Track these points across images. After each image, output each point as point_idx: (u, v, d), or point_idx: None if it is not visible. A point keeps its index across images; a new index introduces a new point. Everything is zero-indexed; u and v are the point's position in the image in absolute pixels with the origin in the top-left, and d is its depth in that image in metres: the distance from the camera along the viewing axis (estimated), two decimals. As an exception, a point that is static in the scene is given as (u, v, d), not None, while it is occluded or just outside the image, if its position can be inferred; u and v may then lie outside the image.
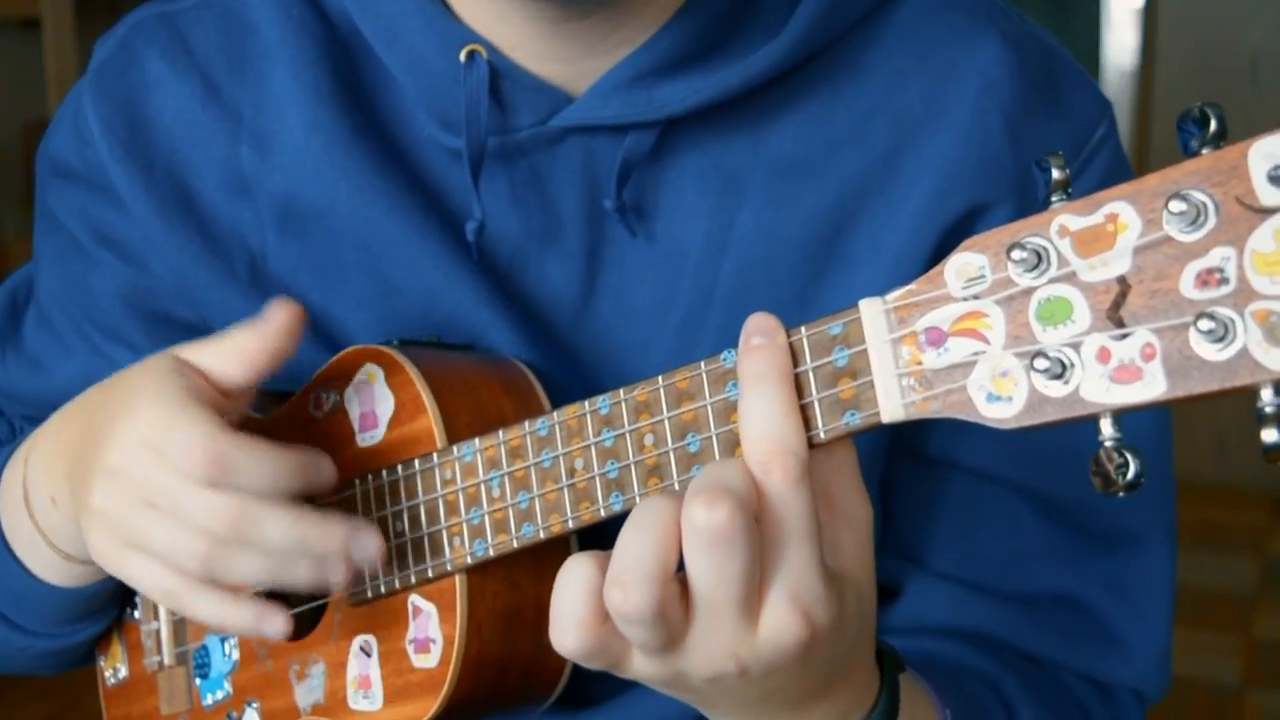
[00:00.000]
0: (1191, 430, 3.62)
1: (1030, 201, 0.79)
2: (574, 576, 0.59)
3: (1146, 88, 3.82)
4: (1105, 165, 0.82)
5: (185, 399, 0.71)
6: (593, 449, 0.66)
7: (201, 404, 0.71)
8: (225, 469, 0.68)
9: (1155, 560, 0.86)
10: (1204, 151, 0.49)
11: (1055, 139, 0.80)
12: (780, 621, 0.57)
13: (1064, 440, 0.81)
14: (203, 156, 0.85)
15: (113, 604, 0.91)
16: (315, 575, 0.71)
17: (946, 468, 0.85)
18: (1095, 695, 0.86)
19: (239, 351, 0.74)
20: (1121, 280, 0.50)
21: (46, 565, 0.86)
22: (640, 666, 0.60)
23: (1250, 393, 0.48)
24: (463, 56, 0.78)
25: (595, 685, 0.84)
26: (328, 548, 0.70)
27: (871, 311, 0.57)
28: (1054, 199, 0.53)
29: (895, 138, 0.79)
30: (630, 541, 0.57)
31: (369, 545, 0.71)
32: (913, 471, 0.86)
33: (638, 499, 0.64)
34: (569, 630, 0.59)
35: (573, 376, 0.82)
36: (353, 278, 0.84)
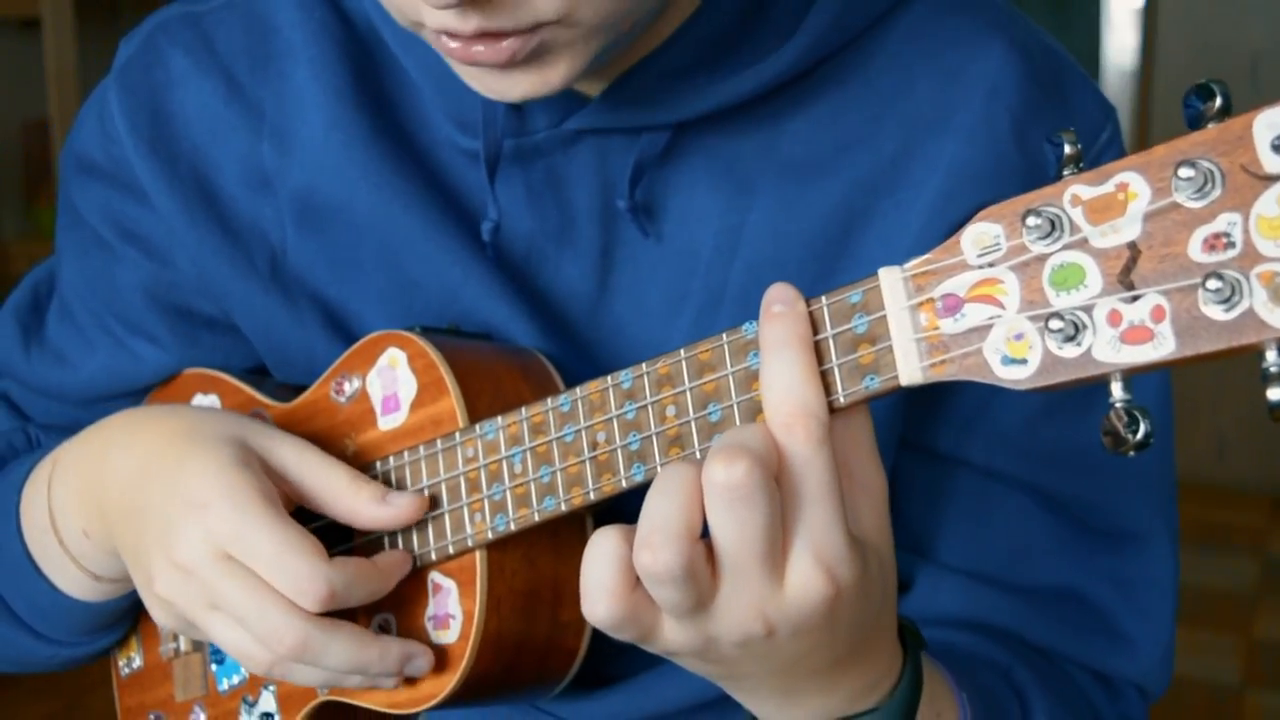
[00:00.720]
0: (1191, 431, 3.61)
1: None
2: (602, 548, 0.59)
3: (1146, 88, 3.81)
4: None
5: (263, 507, 0.73)
6: (615, 422, 0.67)
7: (281, 515, 0.73)
8: (336, 600, 0.72)
9: (1158, 558, 0.87)
10: (1210, 125, 0.51)
11: None
12: (805, 579, 0.58)
13: (1070, 439, 0.83)
14: (224, 152, 0.86)
15: (136, 611, 0.92)
16: (368, 685, 0.76)
17: (955, 465, 0.86)
18: (1100, 688, 0.87)
19: (329, 490, 0.77)
20: (1132, 246, 0.52)
21: (73, 582, 0.87)
22: (670, 635, 0.61)
23: (1255, 353, 0.49)
24: None
25: (611, 663, 0.85)
26: (384, 670, 0.75)
27: (890, 279, 0.58)
28: (1066, 172, 0.54)
29: (904, 140, 0.80)
30: (655, 505, 0.57)
31: (420, 664, 0.76)
32: (922, 468, 0.86)
33: (659, 469, 0.65)
34: (600, 600, 0.59)
35: (588, 373, 0.83)
36: (371, 273, 0.85)
